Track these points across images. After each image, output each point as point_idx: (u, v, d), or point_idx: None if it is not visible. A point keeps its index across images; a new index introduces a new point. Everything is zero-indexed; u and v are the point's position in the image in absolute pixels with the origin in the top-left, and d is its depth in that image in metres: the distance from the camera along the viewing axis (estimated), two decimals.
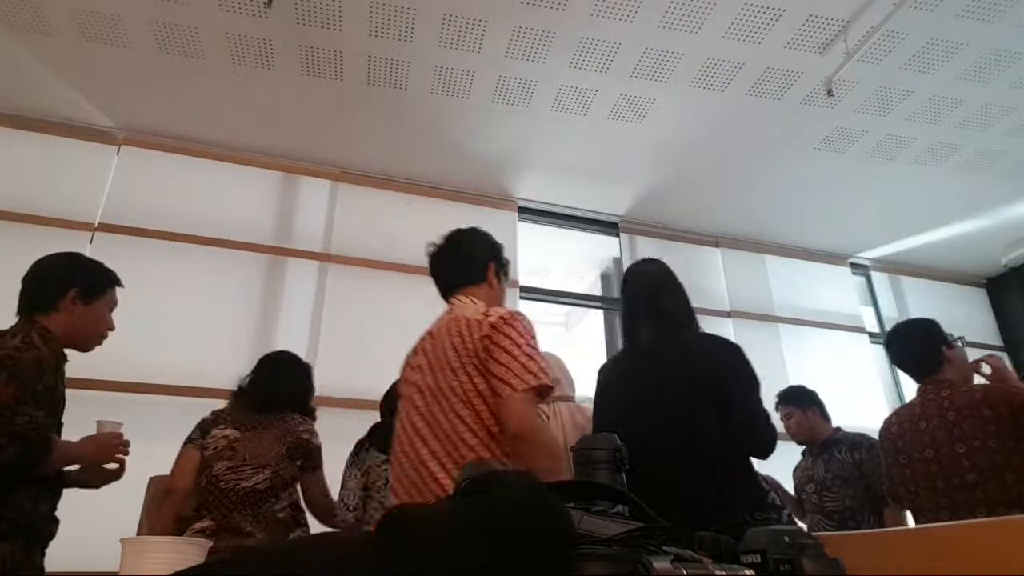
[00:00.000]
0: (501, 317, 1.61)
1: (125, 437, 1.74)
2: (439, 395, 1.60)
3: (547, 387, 1.54)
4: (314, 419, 2.40)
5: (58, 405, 1.70)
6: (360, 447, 2.42)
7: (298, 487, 2.28)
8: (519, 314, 1.64)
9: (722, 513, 1.42)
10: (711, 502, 1.53)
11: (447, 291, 1.83)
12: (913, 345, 2.30)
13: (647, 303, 1.88)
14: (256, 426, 2.22)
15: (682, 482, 1.57)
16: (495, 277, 1.83)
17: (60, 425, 1.74)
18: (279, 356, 2.47)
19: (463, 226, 1.92)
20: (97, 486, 1.77)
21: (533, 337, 1.61)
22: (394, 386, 2.49)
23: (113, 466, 1.75)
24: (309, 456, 2.29)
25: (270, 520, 2.12)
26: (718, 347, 1.81)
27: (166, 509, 2.16)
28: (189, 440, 2.23)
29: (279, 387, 2.31)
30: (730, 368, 1.73)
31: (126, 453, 1.73)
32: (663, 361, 1.77)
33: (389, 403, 2.49)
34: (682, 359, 1.75)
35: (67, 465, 1.66)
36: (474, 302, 1.73)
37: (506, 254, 1.91)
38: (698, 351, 1.79)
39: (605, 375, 1.95)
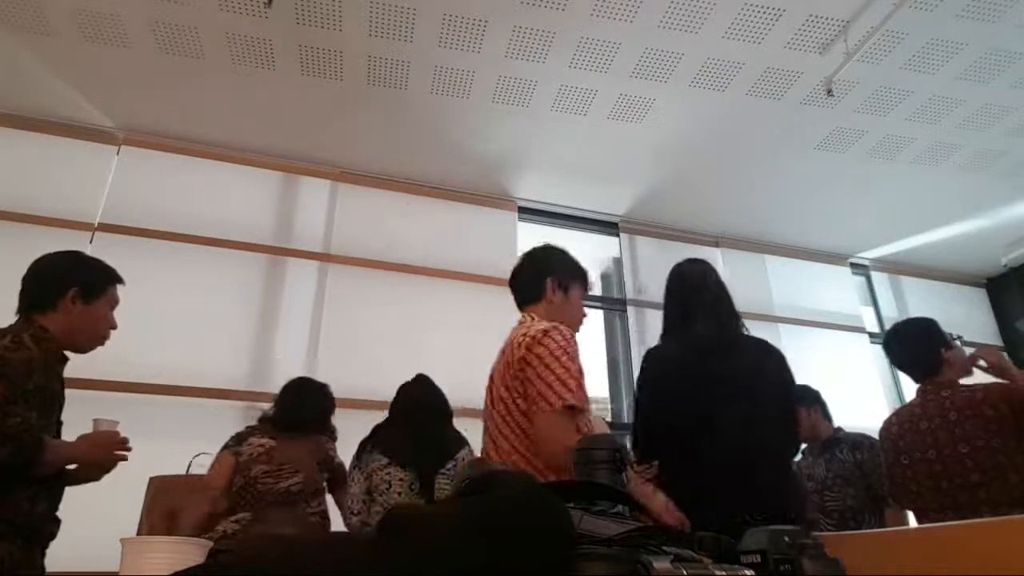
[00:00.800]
0: (533, 336, 1.62)
1: (122, 436, 1.72)
2: (495, 411, 1.70)
3: (574, 407, 1.52)
4: (335, 439, 2.58)
5: (54, 405, 1.69)
6: (362, 449, 2.43)
7: (327, 498, 2.49)
8: (554, 329, 1.63)
9: (743, 510, 1.47)
10: (738, 498, 1.57)
11: (519, 308, 1.88)
12: (912, 345, 2.29)
13: (691, 301, 1.91)
14: (289, 439, 2.41)
15: (711, 479, 1.62)
16: (554, 292, 1.82)
17: (60, 424, 1.73)
18: (301, 383, 2.64)
19: (542, 243, 1.96)
20: (97, 478, 1.75)
21: (565, 352, 1.59)
22: (403, 386, 2.52)
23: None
24: (334, 472, 2.50)
25: (301, 520, 2.29)
26: (756, 349, 1.86)
27: (202, 506, 2.32)
28: (226, 446, 2.41)
29: (303, 413, 2.51)
30: (760, 370, 1.78)
31: (128, 449, 1.71)
32: (705, 359, 1.81)
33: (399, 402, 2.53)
34: (723, 358, 1.79)
35: (62, 465, 1.64)
36: (532, 318, 1.76)
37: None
38: (737, 351, 1.84)
39: (650, 367, 1.96)
